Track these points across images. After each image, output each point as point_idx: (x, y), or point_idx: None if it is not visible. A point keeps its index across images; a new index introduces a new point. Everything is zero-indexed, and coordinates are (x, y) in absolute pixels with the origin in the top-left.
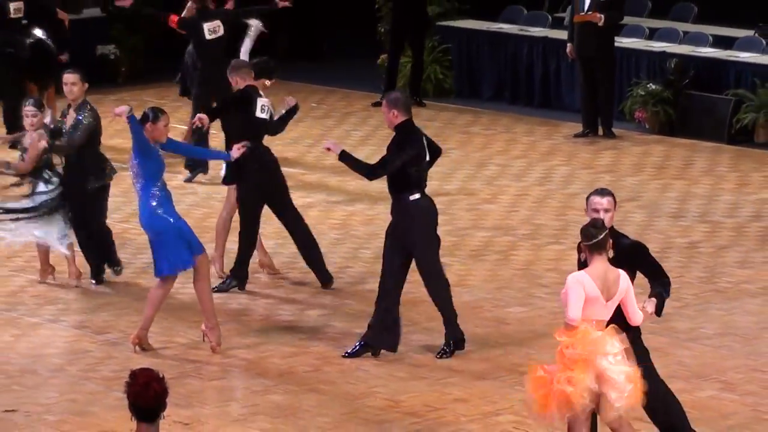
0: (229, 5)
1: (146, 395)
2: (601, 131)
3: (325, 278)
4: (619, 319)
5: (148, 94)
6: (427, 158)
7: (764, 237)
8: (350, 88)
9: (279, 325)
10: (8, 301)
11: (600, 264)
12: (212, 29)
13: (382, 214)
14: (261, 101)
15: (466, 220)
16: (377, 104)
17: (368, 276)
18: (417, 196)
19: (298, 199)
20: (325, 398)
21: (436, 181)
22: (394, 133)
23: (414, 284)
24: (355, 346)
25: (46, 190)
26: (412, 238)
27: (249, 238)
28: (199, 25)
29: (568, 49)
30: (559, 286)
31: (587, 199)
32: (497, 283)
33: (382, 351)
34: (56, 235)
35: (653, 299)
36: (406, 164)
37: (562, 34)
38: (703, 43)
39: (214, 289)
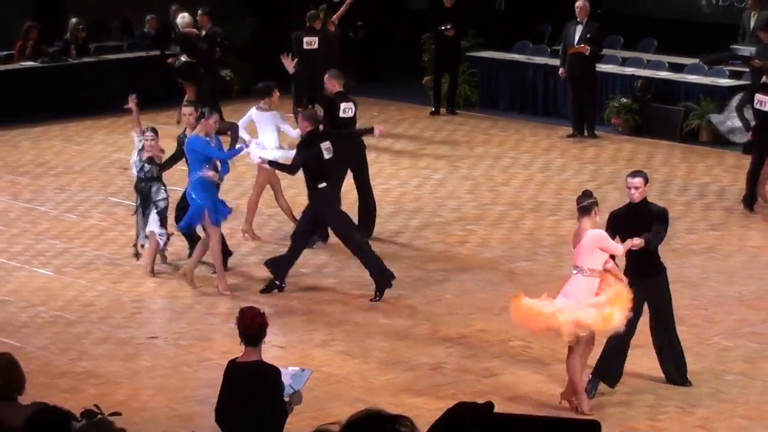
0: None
1: (252, 326)
2: (586, 133)
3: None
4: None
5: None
6: (327, 156)
7: (706, 211)
8: (401, 102)
9: (346, 279)
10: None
11: (586, 222)
12: (309, 42)
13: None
14: (345, 105)
15: (487, 198)
16: (434, 113)
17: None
18: (324, 184)
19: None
20: (383, 327)
21: (464, 169)
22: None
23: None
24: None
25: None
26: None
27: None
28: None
29: (560, 72)
30: (557, 246)
31: (626, 178)
32: (510, 244)
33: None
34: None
35: (642, 238)
36: (307, 160)
37: (556, 62)
38: (661, 68)
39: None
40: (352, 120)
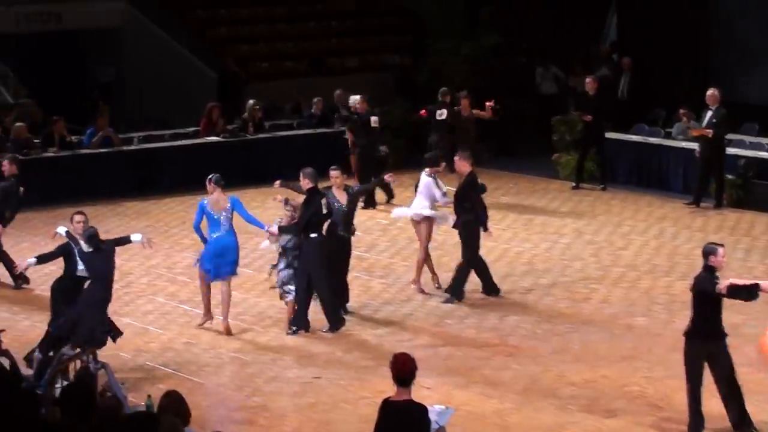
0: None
1: (404, 369)
2: (697, 204)
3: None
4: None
5: (405, 176)
6: (324, 212)
7: None
8: (532, 175)
9: (486, 328)
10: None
11: None
12: (440, 114)
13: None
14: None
15: (608, 260)
16: (575, 188)
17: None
18: (314, 234)
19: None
20: (517, 372)
21: (588, 234)
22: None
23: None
24: None
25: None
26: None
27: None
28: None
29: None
30: (669, 304)
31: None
32: (628, 301)
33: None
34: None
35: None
36: (310, 215)
37: (670, 142)
38: (762, 149)
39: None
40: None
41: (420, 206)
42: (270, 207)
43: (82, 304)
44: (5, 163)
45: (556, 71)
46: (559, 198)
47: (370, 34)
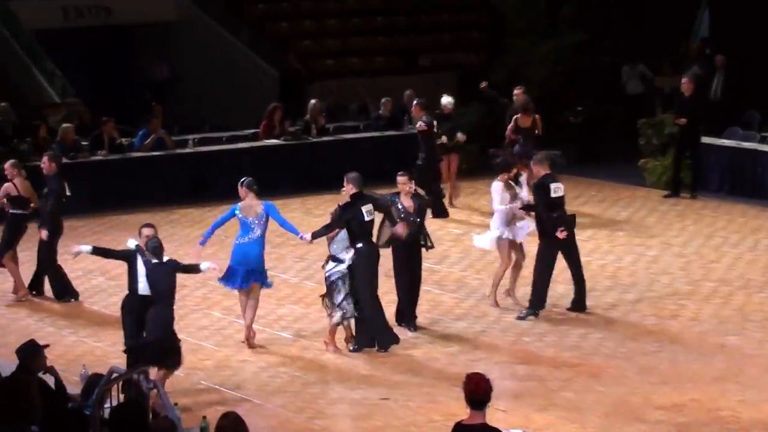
0: None
1: (478, 390)
2: None
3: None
4: None
5: (479, 182)
6: (367, 218)
7: None
8: (616, 182)
9: (566, 347)
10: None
11: None
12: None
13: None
14: (554, 185)
15: (699, 274)
16: (670, 196)
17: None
18: (360, 244)
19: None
20: (600, 395)
21: (677, 246)
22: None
23: None
24: None
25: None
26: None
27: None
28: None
29: None
30: (764, 321)
31: None
32: (720, 319)
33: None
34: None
35: None
36: (349, 221)
37: (765, 147)
38: None
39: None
40: (562, 199)
41: (496, 228)
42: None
43: (150, 324)
44: (45, 160)
45: (643, 70)
46: (645, 207)
47: (445, 30)
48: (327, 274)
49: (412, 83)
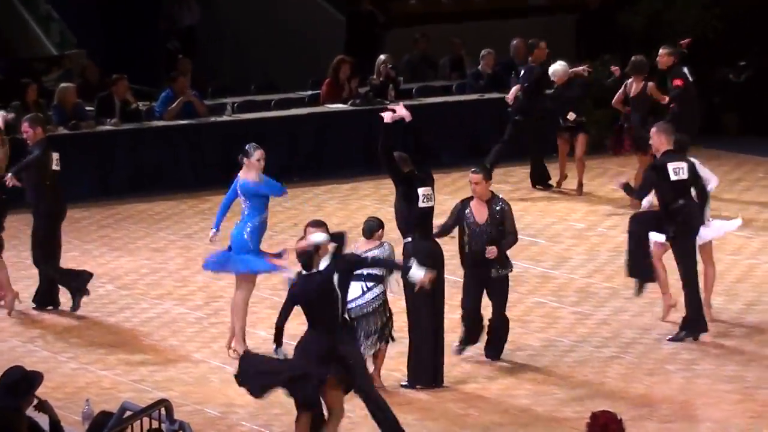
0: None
1: None
2: None
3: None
4: None
5: (608, 162)
6: (422, 205)
7: None
8: None
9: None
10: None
11: None
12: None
13: None
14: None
15: None
16: None
17: None
18: (410, 239)
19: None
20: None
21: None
22: None
23: None
24: None
25: None
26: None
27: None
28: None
29: None
30: None
31: None
32: None
33: None
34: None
35: None
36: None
37: None
38: None
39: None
40: (686, 183)
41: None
42: None
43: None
44: (25, 126)
45: None
46: None
47: None
48: None
49: (520, 30)
